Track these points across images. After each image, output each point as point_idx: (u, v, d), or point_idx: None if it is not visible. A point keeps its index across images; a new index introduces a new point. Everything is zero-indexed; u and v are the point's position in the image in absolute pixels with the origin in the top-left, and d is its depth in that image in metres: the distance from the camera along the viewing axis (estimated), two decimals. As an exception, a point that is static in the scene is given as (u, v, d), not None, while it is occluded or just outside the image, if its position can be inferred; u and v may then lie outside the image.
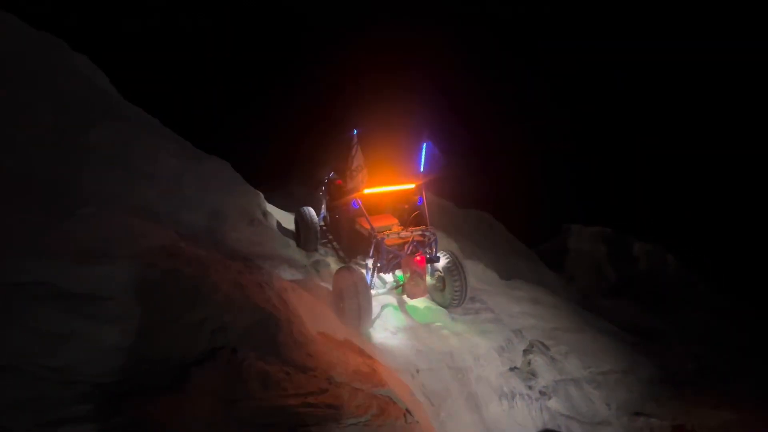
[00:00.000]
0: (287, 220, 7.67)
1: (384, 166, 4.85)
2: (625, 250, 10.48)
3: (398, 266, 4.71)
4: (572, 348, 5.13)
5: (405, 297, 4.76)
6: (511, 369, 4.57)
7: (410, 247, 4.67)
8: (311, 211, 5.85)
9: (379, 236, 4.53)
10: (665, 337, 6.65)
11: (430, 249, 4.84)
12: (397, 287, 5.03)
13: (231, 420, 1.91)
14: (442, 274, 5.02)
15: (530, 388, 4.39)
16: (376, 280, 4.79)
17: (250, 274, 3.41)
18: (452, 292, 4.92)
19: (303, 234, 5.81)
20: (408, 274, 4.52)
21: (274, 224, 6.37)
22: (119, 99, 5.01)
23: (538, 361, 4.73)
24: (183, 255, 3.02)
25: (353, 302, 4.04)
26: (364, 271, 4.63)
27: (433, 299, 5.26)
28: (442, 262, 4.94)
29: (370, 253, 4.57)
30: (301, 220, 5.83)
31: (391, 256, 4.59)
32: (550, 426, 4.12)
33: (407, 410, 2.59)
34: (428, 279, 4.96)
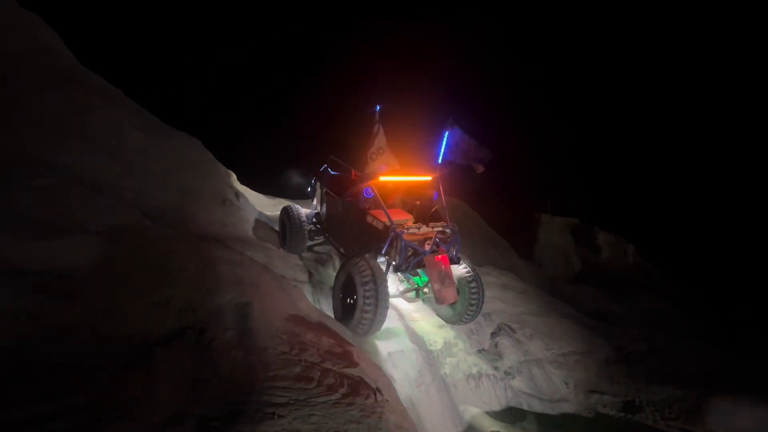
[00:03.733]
0: (266, 205, 7.49)
1: (401, 153, 4.25)
2: (590, 239, 11.01)
3: (419, 265, 4.09)
4: (537, 331, 5.38)
5: (435, 302, 4.09)
6: (479, 351, 4.75)
7: (432, 245, 4.07)
8: (299, 209, 5.26)
9: (398, 230, 3.93)
10: (622, 321, 7.12)
11: (452, 249, 4.25)
12: (411, 291, 4.45)
13: (199, 398, 1.87)
14: (456, 285, 4.33)
15: (496, 368, 4.58)
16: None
17: (221, 255, 3.31)
18: (466, 307, 4.37)
19: (290, 236, 5.21)
20: (433, 276, 3.94)
21: (248, 205, 6.20)
22: (76, 65, 4.63)
23: (505, 343, 4.94)
24: (148, 233, 2.89)
25: (369, 304, 3.52)
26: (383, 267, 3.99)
27: (435, 311, 4.77)
28: (462, 270, 4.38)
29: (383, 250, 3.95)
30: (288, 220, 5.19)
31: (410, 252, 3.97)
32: (513, 404, 4.33)
33: (378, 389, 2.64)
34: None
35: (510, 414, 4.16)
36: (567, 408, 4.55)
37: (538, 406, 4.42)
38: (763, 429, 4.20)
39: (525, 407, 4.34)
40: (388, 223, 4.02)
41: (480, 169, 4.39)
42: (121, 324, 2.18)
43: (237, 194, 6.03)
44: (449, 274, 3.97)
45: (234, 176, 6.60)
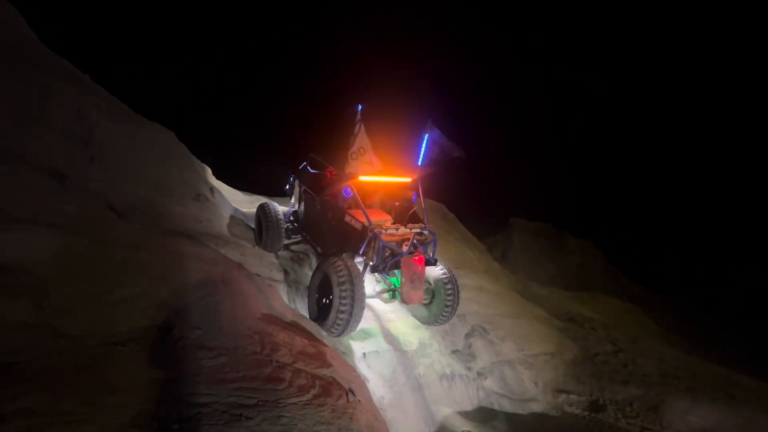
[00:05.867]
0: (242, 201, 7.31)
1: (381, 154, 4.28)
2: (562, 244, 11.40)
3: (396, 266, 4.11)
4: (509, 332, 5.51)
5: (401, 302, 4.15)
6: (453, 352, 4.81)
7: (409, 246, 4.10)
8: (276, 206, 5.18)
9: (376, 230, 3.93)
10: (590, 323, 7.39)
11: (429, 250, 4.29)
12: (388, 291, 4.44)
13: (163, 400, 1.80)
14: (432, 286, 4.46)
15: (469, 369, 4.65)
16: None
17: (191, 251, 3.20)
18: (441, 308, 4.41)
19: (266, 233, 5.10)
20: (405, 276, 3.93)
21: (223, 201, 6.04)
22: (39, 46, 4.36)
23: (478, 344, 5.02)
24: (114, 226, 2.75)
25: (345, 304, 3.51)
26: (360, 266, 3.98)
27: (411, 312, 4.81)
28: (437, 272, 4.41)
29: (361, 250, 3.96)
30: (265, 218, 5.08)
31: (387, 253, 4.01)
32: (484, 403, 4.41)
33: (350, 390, 2.62)
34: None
35: (481, 414, 4.23)
36: (536, 407, 4.67)
37: (508, 406, 4.51)
38: (717, 427, 4.46)
39: (496, 407, 4.42)
40: (366, 224, 4.00)
41: (457, 154, 4.37)
42: (81, 322, 2.06)
43: (212, 189, 5.87)
44: (421, 276, 4.00)
45: (209, 171, 6.42)
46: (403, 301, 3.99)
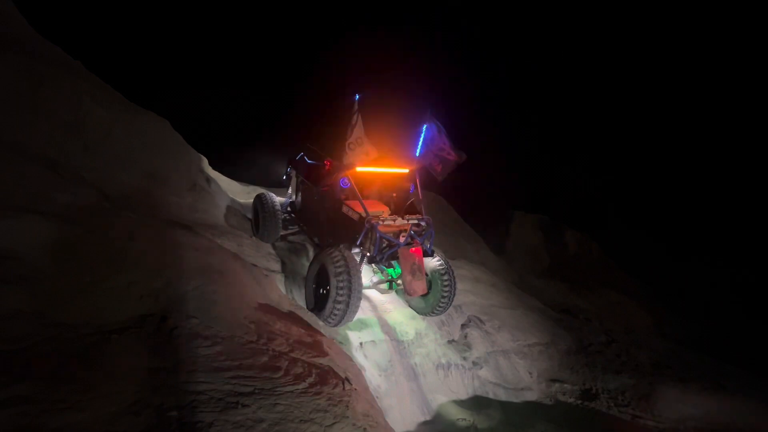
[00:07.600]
0: (239, 192, 7.27)
1: (378, 144, 4.23)
2: (559, 236, 11.45)
3: (393, 257, 4.12)
4: (505, 323, 5.55)
5: (405, 294, 4.17)
6: (449, 342, 4.85)
7: (406, 237, 4.11)
8: (273, 197, 5.17)
9: (374, 221, 3.93)
10: (584, 314, 7.47)
11: (426, 241, 4.30)
12: (385, 282, 4.46)
13: (158, 388, 1.81)
14: (429, 277, 4.45)
15: (465, 359, 4.70)
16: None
17: (187, 241, 3.18)
18: (438, 299, 4.44)
19: (263, 224, 5.09)
20: (405, 268, 3.93)
21: (219, 192, 6.00)
22: (29, 32, 4.27)
23: (474, 334, 5.07)
24: (108, 215, 2.73)
25: (342, 295, 3.53)
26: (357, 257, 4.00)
27: (408, 303, 4.84)
28: (434, 263, 4.43)
29: (358, 241, 3.97)
30: (262, 208, 5.08)
31: (385, 244, 4.02)
32: (479, 392, 4.46)
33: (346, 378, 2.65)
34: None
35: (476, 402, 4.29)
36: (530, 396, 4.74)
37: (503, 395, 4.58)
38: (707, 415, 4.55)
39: (491, 396, 4.48)
40: (363, 214, 4.00)
41: (439, 171, 4.39)
42: (75, 310, 2.05)
43: (208, 179, 5.83)
44: (421, 267, 4.01)
45: (206, 161, 6.37)
46: (406, 293, 3.98)
